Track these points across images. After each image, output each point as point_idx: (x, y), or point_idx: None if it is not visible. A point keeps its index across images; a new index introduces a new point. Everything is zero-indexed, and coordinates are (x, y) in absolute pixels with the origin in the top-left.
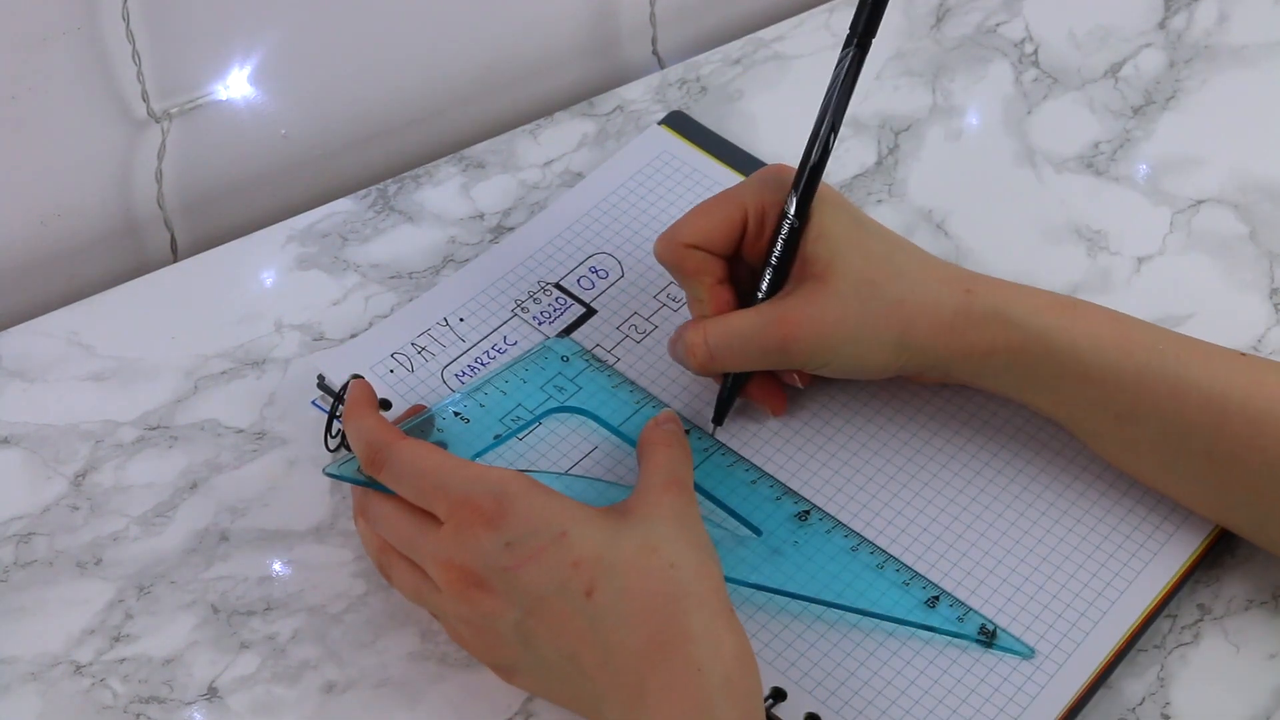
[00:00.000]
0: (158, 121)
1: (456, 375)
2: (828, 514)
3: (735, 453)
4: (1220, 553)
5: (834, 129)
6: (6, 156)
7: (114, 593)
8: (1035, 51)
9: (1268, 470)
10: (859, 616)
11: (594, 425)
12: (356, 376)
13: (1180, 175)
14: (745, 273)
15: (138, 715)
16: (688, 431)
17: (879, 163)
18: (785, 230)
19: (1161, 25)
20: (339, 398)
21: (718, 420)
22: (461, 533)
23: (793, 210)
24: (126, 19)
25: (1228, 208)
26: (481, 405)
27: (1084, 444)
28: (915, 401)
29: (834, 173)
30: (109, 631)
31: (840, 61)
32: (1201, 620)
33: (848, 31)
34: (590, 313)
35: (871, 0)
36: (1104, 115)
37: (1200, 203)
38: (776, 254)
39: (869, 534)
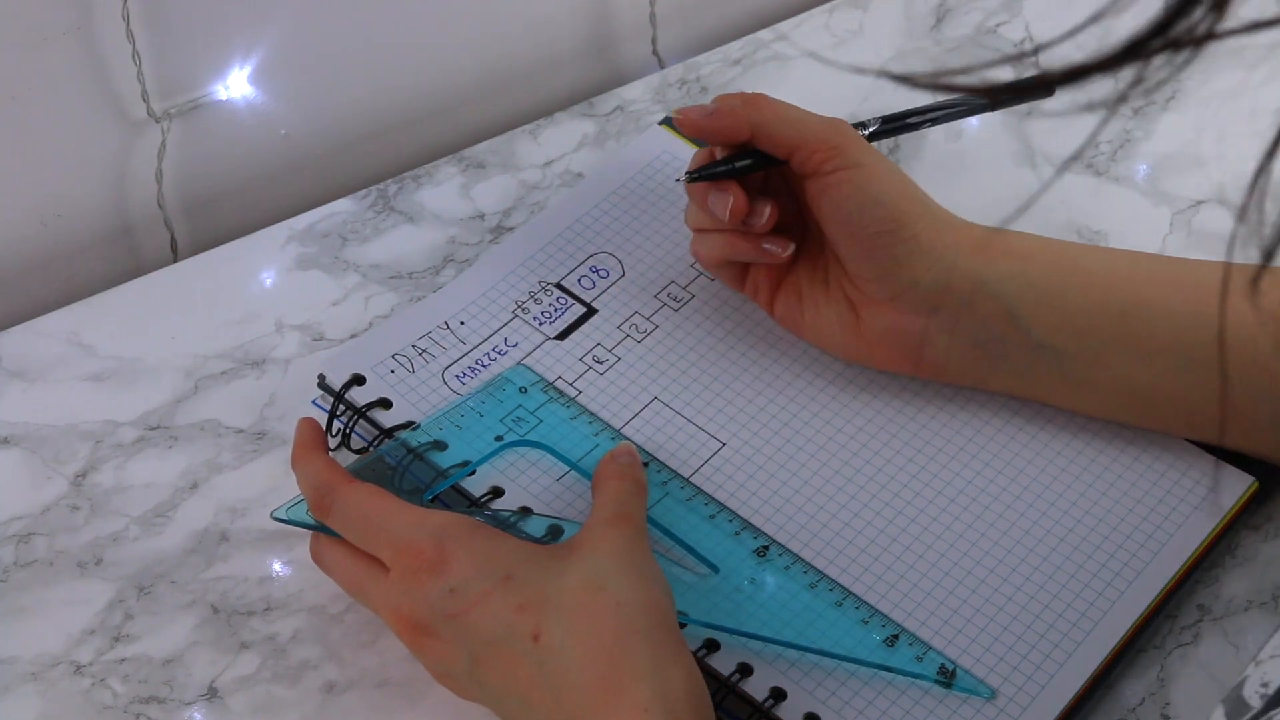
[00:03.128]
0: (158, 121)
1: (457, 377)
2: (787, 549)
3: (694, 485)
4: (1220, 553)
5: (951, 118)
6: (6, 156)
7: (114, 593)
8: (1035, 52)
9: None
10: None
11: (552, 459)
12: (358, 377)
13: (1180, 175)
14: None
15: (138, 715)
16: (646, 464)
17: None
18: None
19: None
20: (339, 397)
21: (691, 178)
22: (406, 580)
23: (869, 129)
24: (126, 19)
25: (1228, 208)
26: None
27: (1080, 387)
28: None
29: None
30: (109, 631)
31: (970, 105)
32: (1201, 620)
33: (1004, 87)
34: (591, 312)
35: (1033, 83)
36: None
37: (1200, 203)
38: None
39: (828, 568)
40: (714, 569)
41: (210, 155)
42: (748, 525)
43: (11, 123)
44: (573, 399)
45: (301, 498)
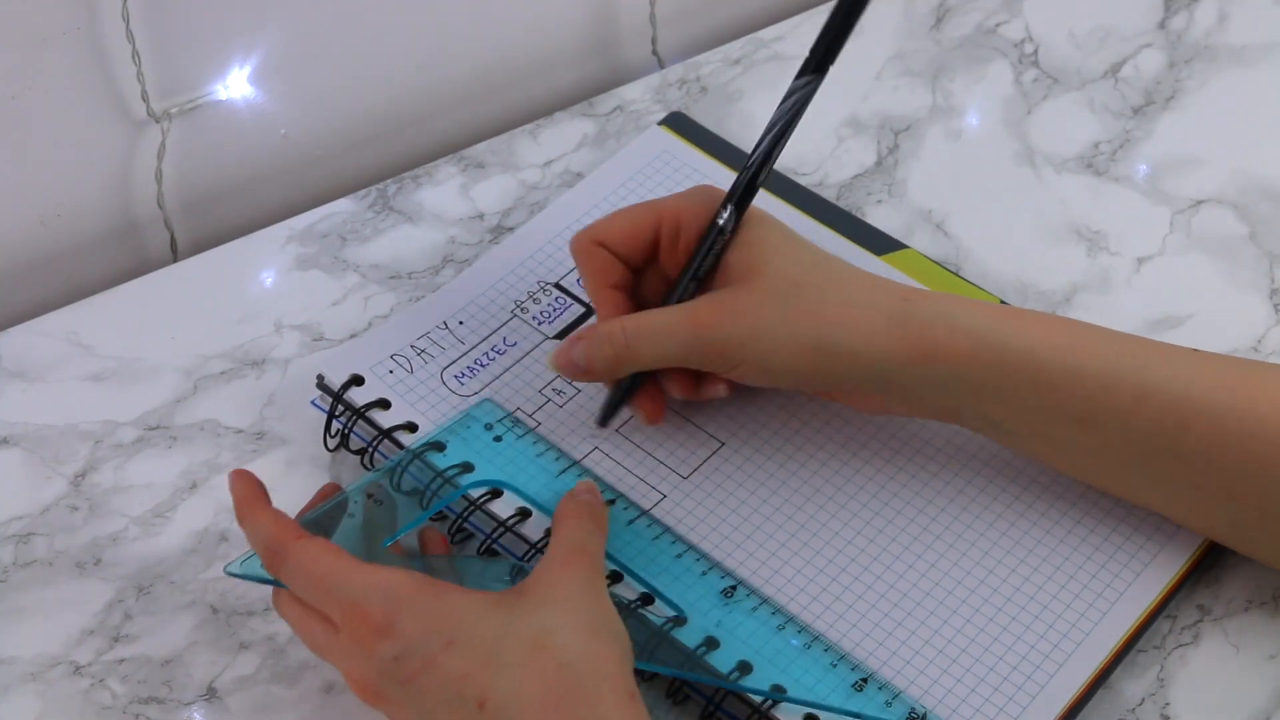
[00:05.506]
0: (158, 121)
1: (456, 377)
2: (754, 589)
3: (660, 523)
4: (1220, 553)
5: (778, 147)
6: (6, 156)
7: (113, 593)
8: (1035, 51)
9: (1238, 468)
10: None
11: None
12: (356, 378)
13: (1180, 175)
14: (660, 285)
15: (137, 716)
16: (612, 502)
17: (879, 163)
18: (711, 239)
19: (1161, 25)
20: (338, 398)
21: (602, 421)
22: (354, 642)
23: (723, 219)
24: (126, 19)
25: (1228, 208)
26: (396, 485)
27: (1043, 458)
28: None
29: (833, 173)
30: (108, 632)
31: (798, 88)
32: (1201, 621)
33: (807, 55)
34: (589, 312)
35: (837, 26)
36: (1104, 115)
37: (1200, 203)
38: (698, 262)
39: (796, 609)
40: (680, 613)
41: (210, 155)
42: (715, 565)
43: (11, 123)
44: (540, 435)
45: (252, 553)
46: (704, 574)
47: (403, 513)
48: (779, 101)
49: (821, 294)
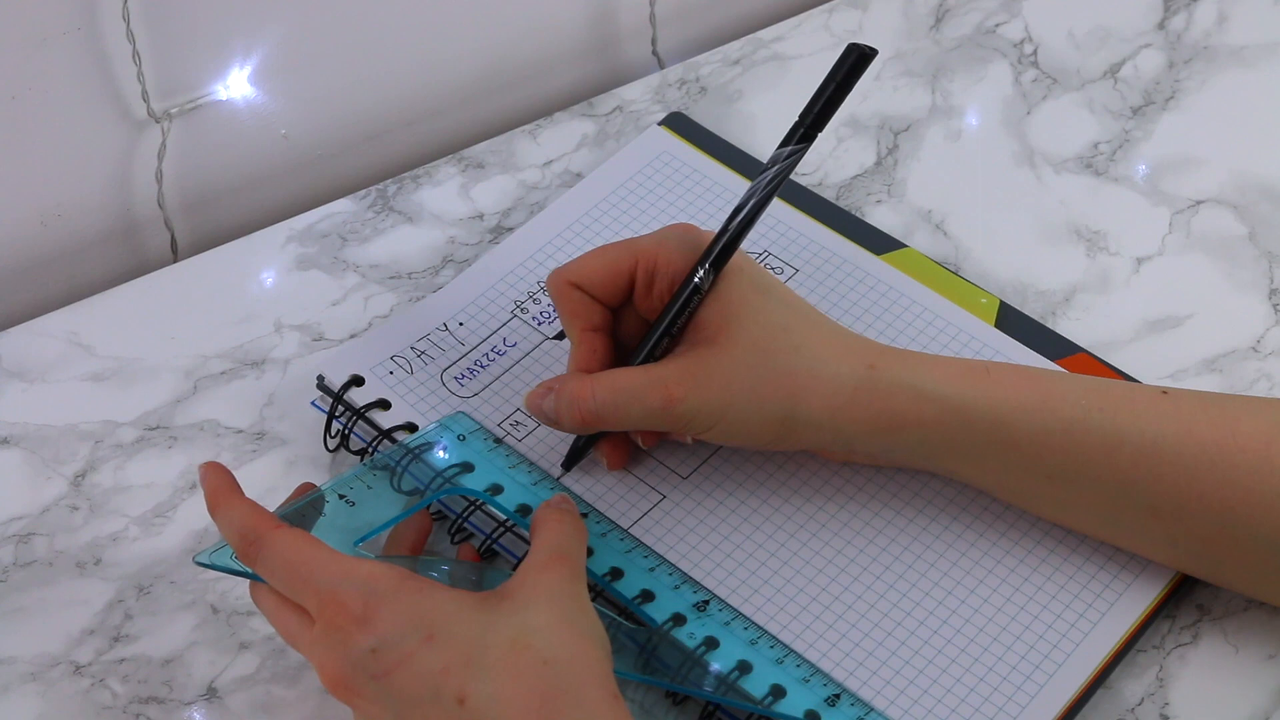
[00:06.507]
0: (158, 121)
1: (456, 379)
2: (727, 604)
3: (634, 537)
4: None
5: (759, 211)
6: (6, 156)
7: (113, 593)
8: (1034, 52)
9: (1212, 516)
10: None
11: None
12: (356, 378)
13: (1180, 175)
14: (637, 323)
15: (137, 715)
16: (585, 515)
17: (878, 163)
18: (686, 297)
19: (1161, 26)
20: (338, 398)
21: (567, 466)
22: (330, 634)
23: (699, 278)
24: (126, 19)
25: (1227, 208)
26: (369, 487)
27: (1018, 506)
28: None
29: (833, 173)
30: (108, 632)
31: (784, 156)
32: (1200, 620)
33: (795, 122)
34: None
35: (829, 95)
36: (1103, 116)
37: (1199, 203)
38: (670, 317)
39: (769, 624)
40: (652, 624)
41: (210, 155)
42: (687, 579)
43: (11, 123)
44: (512, 448)
45: (224, 543)
46: (676, 588)
47: (378, 511)
48: (767, 159)
49: (789, 363)
